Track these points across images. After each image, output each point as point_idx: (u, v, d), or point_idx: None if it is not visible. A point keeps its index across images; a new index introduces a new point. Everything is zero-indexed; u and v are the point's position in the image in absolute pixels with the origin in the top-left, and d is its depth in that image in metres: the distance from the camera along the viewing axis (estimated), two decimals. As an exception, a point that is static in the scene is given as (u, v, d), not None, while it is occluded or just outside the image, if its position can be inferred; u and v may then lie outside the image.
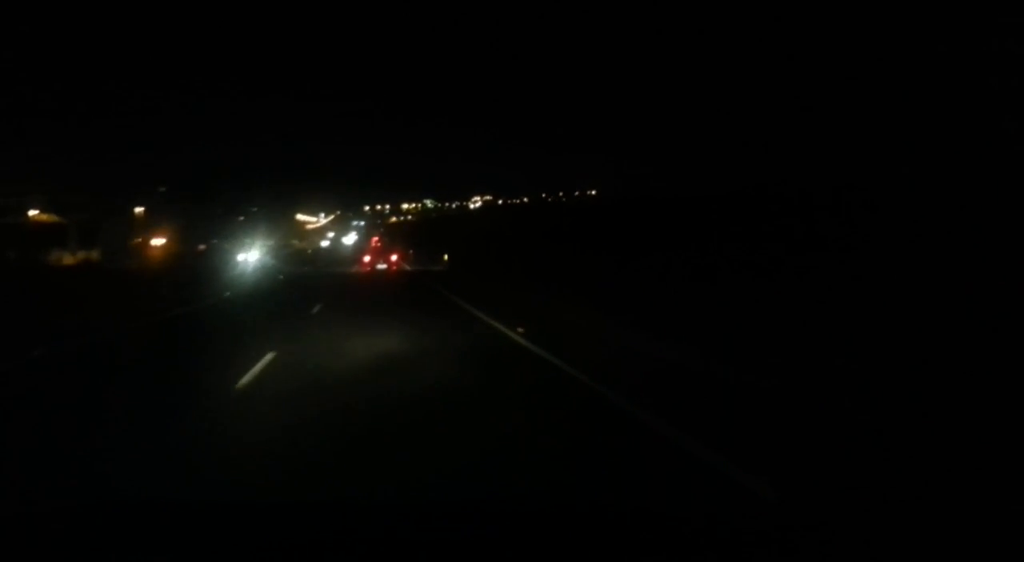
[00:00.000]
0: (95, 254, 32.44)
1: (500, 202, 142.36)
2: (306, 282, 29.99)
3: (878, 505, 3.57)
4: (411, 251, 66.97)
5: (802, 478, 4.03)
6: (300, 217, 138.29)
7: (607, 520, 2.07)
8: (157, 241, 45.79)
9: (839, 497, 3.72)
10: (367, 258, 61.40)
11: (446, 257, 29.20)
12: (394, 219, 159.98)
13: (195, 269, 31.76)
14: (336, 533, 1.86)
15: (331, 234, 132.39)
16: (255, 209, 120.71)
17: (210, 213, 72.38)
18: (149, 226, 41.97)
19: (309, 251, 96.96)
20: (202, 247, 43.77)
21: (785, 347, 7.85)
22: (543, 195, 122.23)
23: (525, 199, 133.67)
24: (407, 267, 55.66)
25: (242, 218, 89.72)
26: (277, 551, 1.73)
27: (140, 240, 39.41)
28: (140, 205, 39.08)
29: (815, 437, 4.88)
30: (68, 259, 30.85)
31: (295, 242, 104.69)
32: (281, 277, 33.96)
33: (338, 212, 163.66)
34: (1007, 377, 5.42)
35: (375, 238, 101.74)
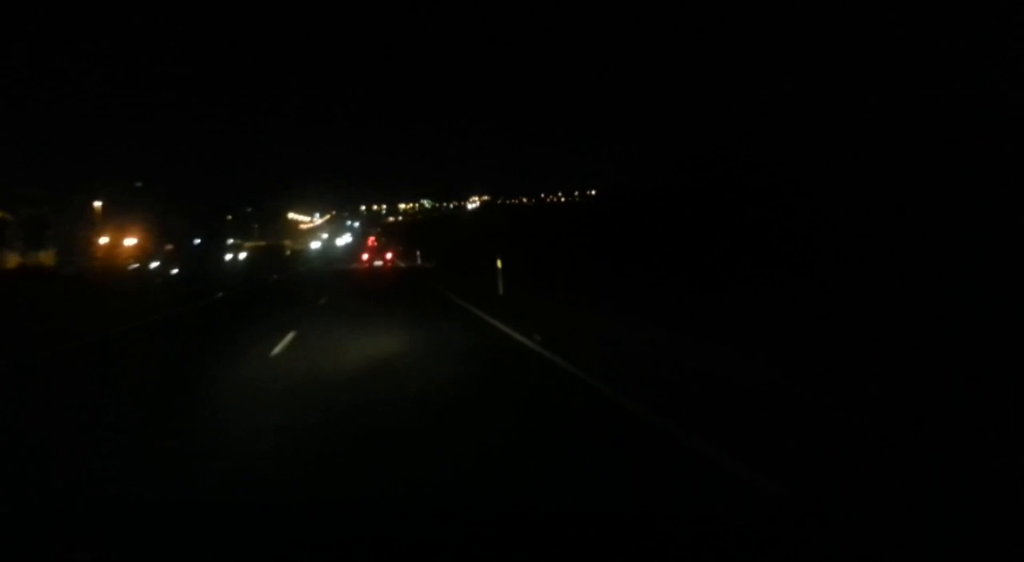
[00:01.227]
0: (45, 256, 28.98)
1: (499, 202, 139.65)
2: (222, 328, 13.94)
3: (883, 503, 3.51)
4: (418, 251, 67.40)
5: (807, 474, 4.00)
6: (293, 216, 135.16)
7: (608, 518, 2.06)
8: (129, 241, 42.61)
9: (844, 494, 3.70)
10: (365, 256, 66.90)
11: (500, 262, 19.47)
12: (391, 219, 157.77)
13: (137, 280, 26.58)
14: (335, 533, 1.85)
15: (325, 235, 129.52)
16: (249, 209, 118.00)
17: (194, 212, 69.06)
18: (119, 224, 38.66)
19: (287, 253, 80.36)
20: (169, 247, 39.95)
21: (795, 345, 7.66)
22: (542, 195, 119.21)
23: (524, 199, 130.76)
24: (401, 264, 60.02)
25: (230, 217, 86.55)
26: (276, 551, 1.73)
27: (107, 240, 36.06)
28: (99, 199, 34.78)
29: (821, 433, 4.88)
30: (13, 261, 27.42)
31: (287, 242, 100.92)
32: (220, 295, 20.47)
33: (333, 212, 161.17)
34: (1011, 378, 5.37)
35: (372, 238, 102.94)
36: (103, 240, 35.51)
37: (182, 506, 2.31)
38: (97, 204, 34.25)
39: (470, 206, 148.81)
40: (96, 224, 33.84)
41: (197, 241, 61.54)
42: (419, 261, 60.92)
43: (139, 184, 47.33)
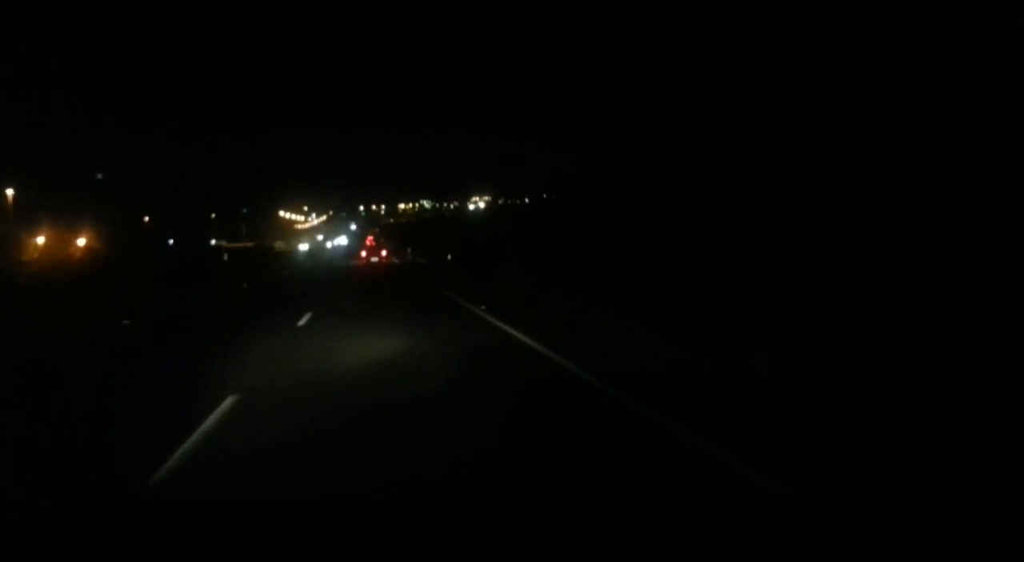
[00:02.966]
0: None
1: (500, 202, 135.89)
2: None
3: (887, 501, 3.52)
4: (411, 248, 75.24)
5: (810, 473, 4.04)
6: (289, 216, 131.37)
7: (609, 518, 2.04)
8: (80, 241, 38.60)
9: (848, 493, 3.70)
10: (363, 253, 73.06)
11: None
12: (391, 220, 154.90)
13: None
14: (335, 533, 1.83)
15: (320, 237, 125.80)
16: (245, 210, 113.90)
17: (176, 209, 64.87)
18: (64, 222, 34.67)
19: (224, 256, 52.01)
20: (83, 242, 35.41)
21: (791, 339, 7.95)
22: (544, 195, 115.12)
23: (527, 199, 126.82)
24: (395, 260, 66.61)
25: (214, 215, 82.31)
26: (277, 551, 1.71)
27: (44, 239, 32.02)
28: (11, 188, 29.42)
29: (822, 430, 4.92)
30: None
31: (278, 244, 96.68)
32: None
33: (330, 212, 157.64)
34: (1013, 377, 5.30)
35: (370, 237, 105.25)
36: (39, 239, 31.50)
37: (182, 506, 2.36)
38: (10, 193, 29.41)
39: (471, 206, 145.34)
40: (9, 219, 29.35)
41: (171, 242, 57.66)
42: (412, 257, 67.24)
43: (99, 176, 43.09)
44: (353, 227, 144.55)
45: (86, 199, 39.35)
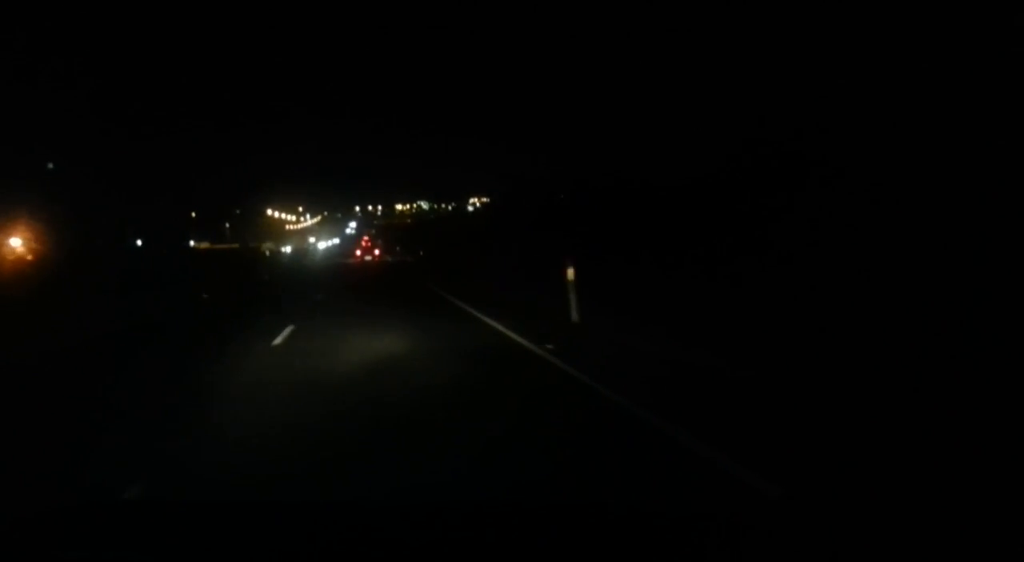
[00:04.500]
0: None
1: (499, 204, 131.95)
2: None
3: (884, 502, 3.48)
4: (401, 247, 79.27)
5: (807, 474, 3.97)
6: (280, 216, 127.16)
7: (607, 519, 2.03)
8: (15, 241, 34.10)
9: (844, 494, 3.66)
10: (358, 252, 78.64)
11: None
12: (385, 222, 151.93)
13: None
14: (335, 533, 1.82)
15: (312, 238, 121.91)
16: (238, 211, 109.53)
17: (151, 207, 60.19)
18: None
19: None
20: (19, 248, 30.91)
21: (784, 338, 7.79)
22: (545, 195, 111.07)
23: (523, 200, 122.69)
24: (388, 258, 71.45)
25: (194, 214, 77.52)
26: (276, 551, 1.71)
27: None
28: None
29: (819, 431, 4.82)
30: None
31: (270, 245, 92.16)
32: None
33: (325, 213, 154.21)
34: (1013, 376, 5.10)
35: (366, 238, 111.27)
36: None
37: (181, 505, 2.28)
38: None
39: (469, 208, 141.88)
40: None
41: (139, 243, 53.05)
42: (404, 256, 70.92)
43: (50, 166, 38.23)
44: (349, 230, 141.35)
45: (29, 192, 34.80)
